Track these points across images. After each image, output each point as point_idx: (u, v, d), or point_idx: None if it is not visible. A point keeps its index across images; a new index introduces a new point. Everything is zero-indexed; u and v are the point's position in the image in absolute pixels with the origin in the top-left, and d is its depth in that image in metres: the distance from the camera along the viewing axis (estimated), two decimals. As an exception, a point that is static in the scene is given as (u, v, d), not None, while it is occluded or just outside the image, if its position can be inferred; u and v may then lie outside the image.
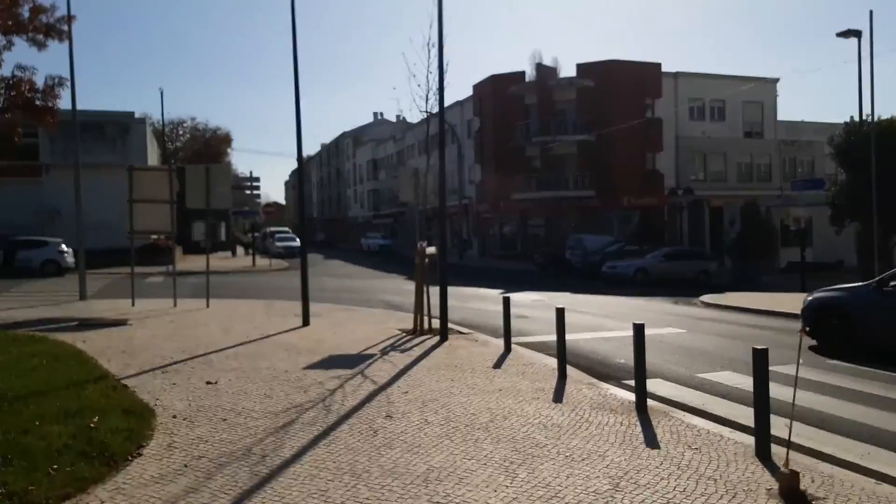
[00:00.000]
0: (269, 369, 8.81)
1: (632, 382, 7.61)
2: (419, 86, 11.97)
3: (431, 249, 12.29)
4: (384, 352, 10.31)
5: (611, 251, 31.12)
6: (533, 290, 23.35)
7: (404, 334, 12.19)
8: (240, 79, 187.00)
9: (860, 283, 11.81)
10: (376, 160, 79.95)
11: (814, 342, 11.35)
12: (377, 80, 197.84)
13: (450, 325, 12.05)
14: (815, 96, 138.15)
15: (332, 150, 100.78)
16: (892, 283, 10.64)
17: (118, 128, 36.33)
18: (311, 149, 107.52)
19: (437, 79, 11.30)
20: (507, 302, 10.60)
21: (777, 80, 44.54)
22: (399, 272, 32.89)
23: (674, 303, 20.74)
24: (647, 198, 40.79)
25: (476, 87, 47.73)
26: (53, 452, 5.14)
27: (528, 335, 12.42)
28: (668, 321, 15.51)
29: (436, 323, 12.16)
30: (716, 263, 28.88)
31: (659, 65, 41.84)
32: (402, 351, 10.43)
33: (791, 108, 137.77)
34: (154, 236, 34.26)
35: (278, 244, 45.21)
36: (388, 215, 74.49)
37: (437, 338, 11.61)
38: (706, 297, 21.29)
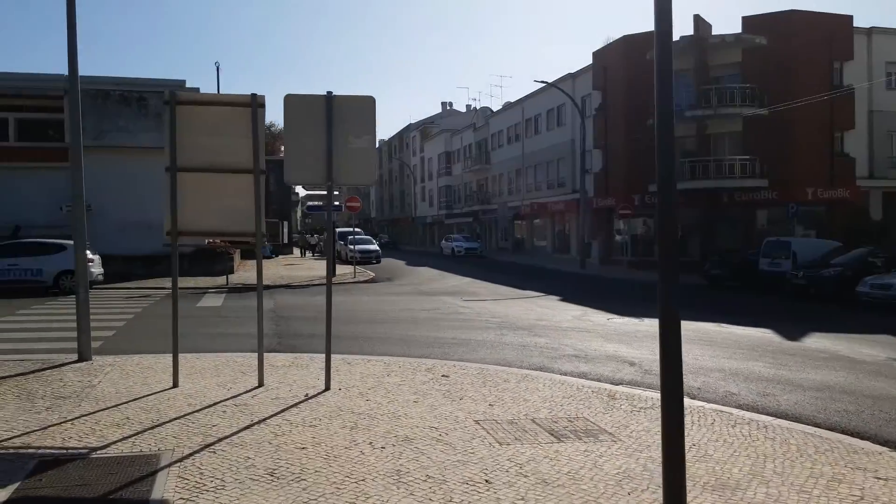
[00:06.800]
0: None
1: None
2: None
3: None
4: None
5: (842, 262, 21.86)
6: (755, 326, 14.32)
7: None
8: (282, 73, 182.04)
9: None
10: (450, 153, 71.31)
11: None
12: (442, 70, 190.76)
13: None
14: None
15: (395, 145, 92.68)
16: None
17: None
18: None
19: None
20: None
21: None
22: (533, 288, 24.18)
23: None
24: (839, 189, 31.25)
25: (597, 55, 38.67)
26: None
27: None
28: None
29: None
30: None
31: (850, 17, 32.16)
32: None
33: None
34: (208, 240, 26.33)
35: (352, 247, 37.00)
36: (465, 214, 65.78)
37: None
38: None
